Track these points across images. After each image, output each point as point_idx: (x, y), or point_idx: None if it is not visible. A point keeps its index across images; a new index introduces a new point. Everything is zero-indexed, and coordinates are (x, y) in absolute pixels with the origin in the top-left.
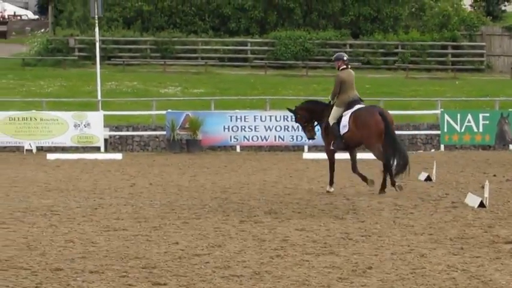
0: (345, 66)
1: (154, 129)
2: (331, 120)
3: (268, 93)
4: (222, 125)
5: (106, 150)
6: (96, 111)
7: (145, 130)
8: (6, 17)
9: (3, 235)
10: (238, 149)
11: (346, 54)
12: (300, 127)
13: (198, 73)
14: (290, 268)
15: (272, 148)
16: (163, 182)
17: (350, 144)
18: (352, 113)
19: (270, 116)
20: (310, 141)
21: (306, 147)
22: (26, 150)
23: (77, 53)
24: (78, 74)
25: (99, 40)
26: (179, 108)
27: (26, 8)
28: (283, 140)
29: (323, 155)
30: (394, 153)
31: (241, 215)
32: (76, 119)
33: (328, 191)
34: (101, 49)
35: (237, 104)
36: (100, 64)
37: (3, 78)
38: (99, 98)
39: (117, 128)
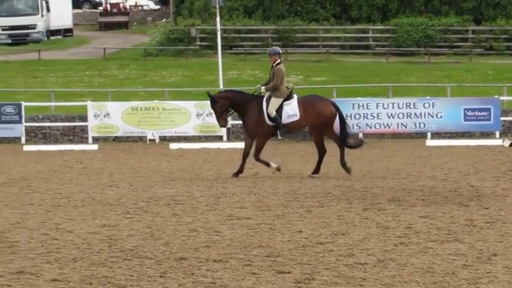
0: (279, 60)
1: None
2: (273, 110)
3: (390, 81)
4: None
5: (228, 139)
6: None
7: None
8: (128, 7)
9: (128, 225)
10: (360, 136)
11: (280, 49)
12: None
13: (320, 61)
14: (414, 255)
15: (395, 135)
16: (286, 171)
17: (291, 132)
18: (299, 103)
19: (393, 103)
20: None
21: (429, 134)
22: (149, 140)
23: (198, 43)
24: (200, 64)
25: (221, 29)
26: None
27: None
28: (405, 127)
29: (447, 142)
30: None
31: (364, 203)
32: (198, 109)
33: (234, 175)
34: (222, 38)
35: (359, 92)
36: (221, 53)
37: (125, 69)
38: (221, 87)
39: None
